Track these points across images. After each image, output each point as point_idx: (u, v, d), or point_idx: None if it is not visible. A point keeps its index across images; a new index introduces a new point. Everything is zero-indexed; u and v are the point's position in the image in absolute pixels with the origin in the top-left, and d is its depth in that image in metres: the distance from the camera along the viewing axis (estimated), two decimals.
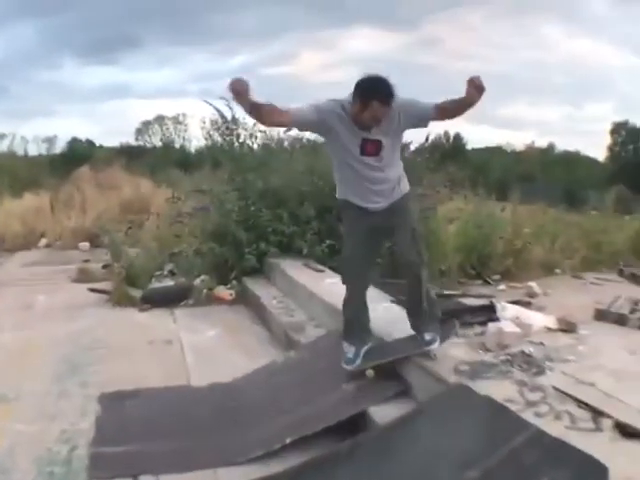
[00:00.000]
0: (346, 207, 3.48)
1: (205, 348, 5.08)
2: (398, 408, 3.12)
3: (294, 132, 5.87)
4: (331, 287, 4.95)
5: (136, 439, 3.34)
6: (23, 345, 5.10)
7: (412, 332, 3.49)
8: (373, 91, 3.10)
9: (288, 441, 3.04)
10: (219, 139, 8.13)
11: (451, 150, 35.09)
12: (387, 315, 4.10)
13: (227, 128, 7.43)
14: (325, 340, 4.28)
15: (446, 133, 41.15)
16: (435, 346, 3.35)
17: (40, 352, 4.99)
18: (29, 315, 6.06)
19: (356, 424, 3.15)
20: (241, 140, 7.46)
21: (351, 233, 3.54)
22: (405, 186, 3.48)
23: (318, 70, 77.43)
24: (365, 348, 3.46)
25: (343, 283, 3.58)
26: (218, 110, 7.41)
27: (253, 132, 7.48)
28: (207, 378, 4.21)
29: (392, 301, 4.56)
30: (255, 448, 3.08)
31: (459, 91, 3.13)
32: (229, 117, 7.34)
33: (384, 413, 3.10)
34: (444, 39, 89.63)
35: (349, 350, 3.46)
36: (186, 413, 3.69)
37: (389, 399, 3.28)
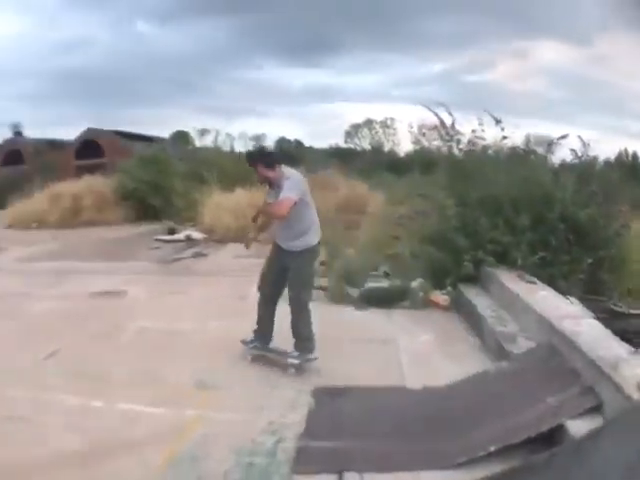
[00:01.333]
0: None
1: (419, 351, 6.10)
2: (590, 422, 3.79)
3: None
4: (544, 300, 6.06)
5: (345, 436, 4.21)
6: (231, 335, 6.39)
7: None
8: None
9: (492, 449, 3.75)
10: (429, 144, 9.69)
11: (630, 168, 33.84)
12: (591, 331, 5.04)
13: (447, 134, 8.76)
14: (535, 352, 5.15)
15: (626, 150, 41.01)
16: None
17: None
18: (243, 305, 7.43)
19: (544, 434, 3.91)
20: (460, 146, 8.76)
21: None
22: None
23: (513, 79, 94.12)
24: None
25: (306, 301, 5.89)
26: (438, 116, 8.77)
27: (459, 139, 8.75)
28: (420, 381, 5.11)
29: (593, 317, 5.63)
30: (460, 454, 3.79)
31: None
32: (448, 123, 8.68)
33: (578, 426, 3.79)
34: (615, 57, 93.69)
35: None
36: (398, 414, 4.56)
37: (582, 413, 3.99)
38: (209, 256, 12.63)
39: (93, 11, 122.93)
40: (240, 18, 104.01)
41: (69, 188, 21.95)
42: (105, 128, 51.62)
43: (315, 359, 5.75)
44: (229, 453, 3.96)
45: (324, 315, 7.16)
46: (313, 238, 5.87)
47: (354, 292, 8.03)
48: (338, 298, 8.01)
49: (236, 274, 10.10)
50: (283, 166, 5.98)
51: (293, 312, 5.82)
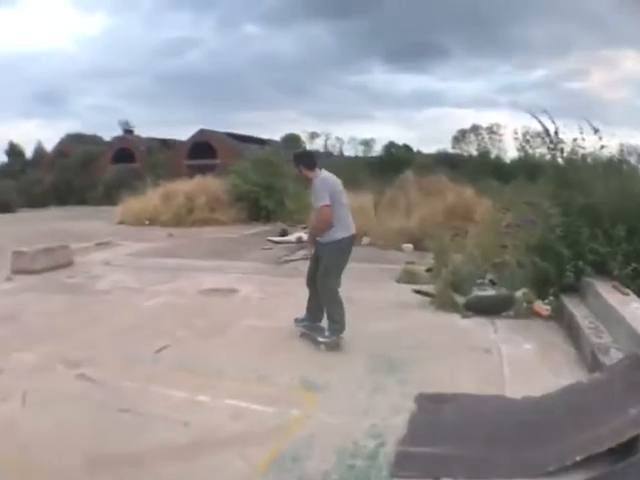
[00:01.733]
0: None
1: (520, 360, 6.26)
2: None
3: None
4: (636, 312, 6.23)
5: (444, 442, 4.38)
6: (346, 337, 6.87)
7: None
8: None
9: (578, 459, 3.89)
10: (534, 151, 9.99)
11: None
12: None
13: (551, 142, 8.97)
14: (621, 364, 5.28)
15: None
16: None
17: (359, 346, 6.70)
18: (353, 309, 7.64)
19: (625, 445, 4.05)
20: (565, 155, 8.91)
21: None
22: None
23: (606, 87, 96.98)
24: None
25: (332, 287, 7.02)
26: (542, 123, 8.99)
27: (563, 147, 8.90)
28: (519, 390, 5.30)
29: None
30: (550, 463, 3.94)
31: None
32: (552, 131, 8.89)
33: None
34: None
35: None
36: (496, 422, 4.74)
37: None
38: None
39: (198, 12, 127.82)
40: (348, 22, 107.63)
41: (182, 187, 23.24)
42: (216, 129, 53.80)
43: (341, 339, 6.92)
44: (331, 454, 4.20)
45: (430, 322, 7.72)
46: (339, 233, 6.97)
47: (461, 300, 8.31)
48: (445, 305, 8.32)
49: (346, 277, 10.63)
50: (323, 170, 7.32)
51: (322, 297, 7.11)
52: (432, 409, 4.97)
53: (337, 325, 6.95)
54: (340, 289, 6.95)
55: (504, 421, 4.76)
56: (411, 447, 4.30)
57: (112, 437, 4.66)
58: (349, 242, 7.19)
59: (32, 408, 5.33)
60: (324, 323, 7.14)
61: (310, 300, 7.44)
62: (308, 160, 7.42)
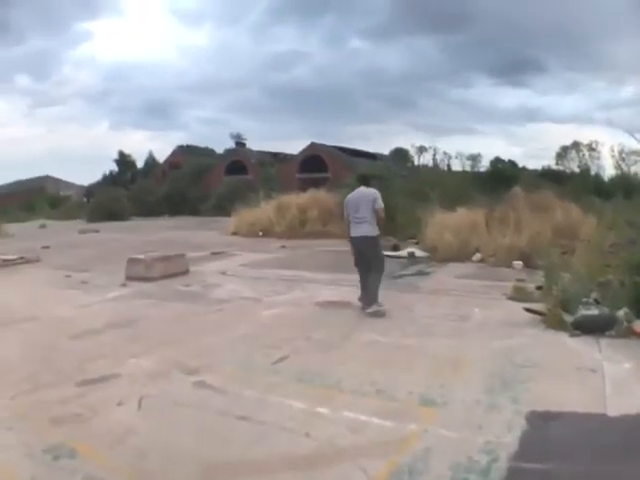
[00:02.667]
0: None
1: (621, 379, 6.15)
2: None
3: None
4: None
5: (553, 459, 4.38)
6: (456, 354, 6.88)
7: None
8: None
9: None
10: (630, 169, 9.75)
11: None
12: None
13: None
14: None
15: None
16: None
17: (472, 363, 6.63)
18: (464, 326, 8.04)
19: None
20: None
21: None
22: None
23: None
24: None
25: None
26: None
27: None
28: (620, 409, 5.27)
29: None
30: None
31: None
32: None
33: None
34: None
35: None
36: (598, 441, 4.75)
37: None
38: (431, 274, 13.04)
39: (304, 26, 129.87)
40: (451, 37, 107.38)
41: (295, 200, 23.59)
42: (326, 143, 54.36)
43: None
44: (446, 469, 4.17)
45: (541, 341, 7.62)
46: (350, 232, 10.08)
47: (569, 318, 8.17)
48: (554, 324, 8.17)
49: (457, 294, 10.62)
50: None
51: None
52: (542, 426, 4.98)
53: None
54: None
55: (606, 439, 4.77)
56: (523, 463, 4.30)
57: (231, 445, 4.68)
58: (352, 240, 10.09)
59: (148, 413, 5.44)
60: None
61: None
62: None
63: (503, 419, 5.08)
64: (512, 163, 60.85)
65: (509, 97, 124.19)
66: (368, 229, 9.73)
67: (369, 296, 9.44)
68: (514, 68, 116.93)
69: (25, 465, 4.48)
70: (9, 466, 4.50)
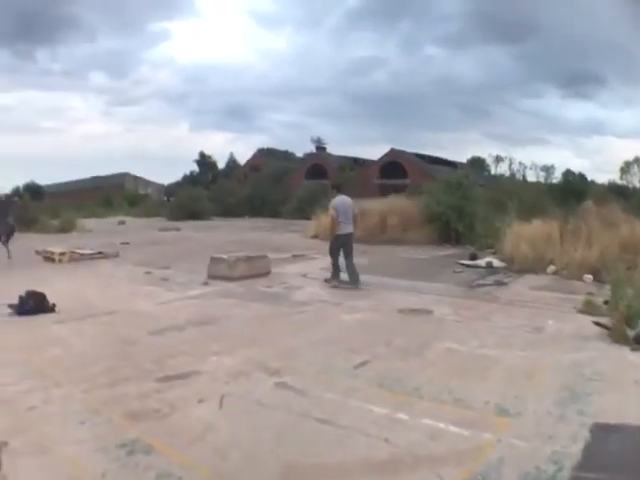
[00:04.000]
0: None
1: None
2: None
3: None
4: None
5: (613, 470, 4.47)
6: (530, 365, 6.89)
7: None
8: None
9: None
10: None
11: None
12: None
13: None
14: None
15: None
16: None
17: (544, 375, 6.63)
18: (538, 337, 8.07)
19: None
20: None
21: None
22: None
23: None
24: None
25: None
26: None
27: None
28: None
29: None
30: None
31: None
32: None
33: None
34: None
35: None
36: None
37: None
38: (508, 285, 12.94)
39: (381, 32, 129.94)
40: (519, 47, 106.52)
41: (376, 206, 23.63)
42: (405, 149, 54.22)
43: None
44: (516, 478, 4.24)
45: (606, 354, 7.58)
46: (340, 230, 12.77)
47: (631, 333, 8.15)
48: (619, 338, 8.14)
49: (533, 305, 10.55)
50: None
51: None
52: (604, 438, 5.03)
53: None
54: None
55: None
56: (584, 473, 4.39)
57: (311, 447, 4.76)
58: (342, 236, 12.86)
59: (229, 412, 5.53)
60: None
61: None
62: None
63: (570, 430, 5.11)
64: (582, 176, 60.27)
65: (576, 109, 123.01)
66: (352, 228, 13.26)
67: (355, 274, 12.80)
68: (578, 80, 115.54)
69: (97, 460, 4.56)
70: (80, 460, 4.57)
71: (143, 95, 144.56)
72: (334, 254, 13.01)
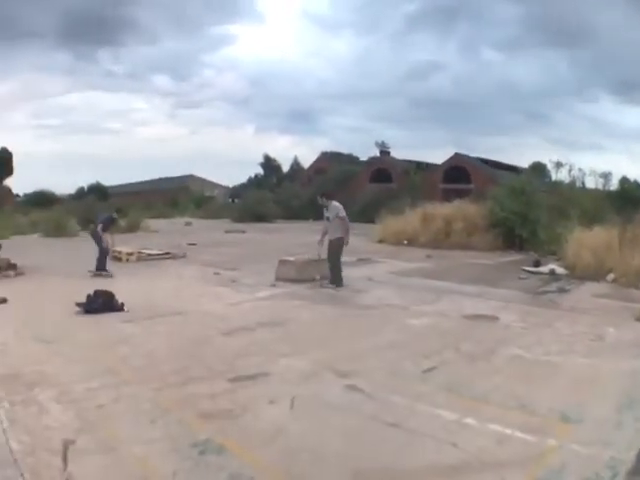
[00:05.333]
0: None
1: None
2: None
3: None
4: None
5: None
6: (592, 372, 6.91)
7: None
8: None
9: None
10: None
11: None
12: None
13: None
14: None
15: None
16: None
17: (606, 382, 6.64)
18: (600, 345, 8.07)
19: None
20: None
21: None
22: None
23: None
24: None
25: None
26: None
27: None
28: None
29: None
30: None
31: None
32: None
33: None
34: None
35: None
36: None
37: None
38: (570, 292, 12.86)
39: (439, 35, 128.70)
40: (577, 52, 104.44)
41: (440, 210, 23.56)
42: (468, 154, 53.64)
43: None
44: None
45: None
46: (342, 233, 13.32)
47: None
48: None
49: (595, 313, 10.53)
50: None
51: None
52: None
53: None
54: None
55: None
56: (635, 477, 4.46)
57: (380, 451, 4.82)
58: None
59: (300, 414, 5.62)
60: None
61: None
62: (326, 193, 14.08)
63: (626, 436, 5.13)
64: (637, 184, 58.83)
65: (632, 114, 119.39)
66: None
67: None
68: (633, 86, 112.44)
69: (168, 459, 4.63)
70: (151, 459, 4.65)
71: (207, 98, 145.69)
72: (339, 258, 13.61)
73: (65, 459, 4.57)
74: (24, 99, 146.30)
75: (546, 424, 5.39)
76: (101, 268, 14.89)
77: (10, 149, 65.80)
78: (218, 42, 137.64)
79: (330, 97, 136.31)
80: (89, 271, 14.76)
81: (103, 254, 15.09)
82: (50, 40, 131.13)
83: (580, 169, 44.92)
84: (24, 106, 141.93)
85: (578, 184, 37.81)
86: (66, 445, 4.79)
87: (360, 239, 24.61)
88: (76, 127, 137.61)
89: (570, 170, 42.78)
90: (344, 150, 73.12)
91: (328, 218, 13.71)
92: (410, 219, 24.47)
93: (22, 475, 4.34)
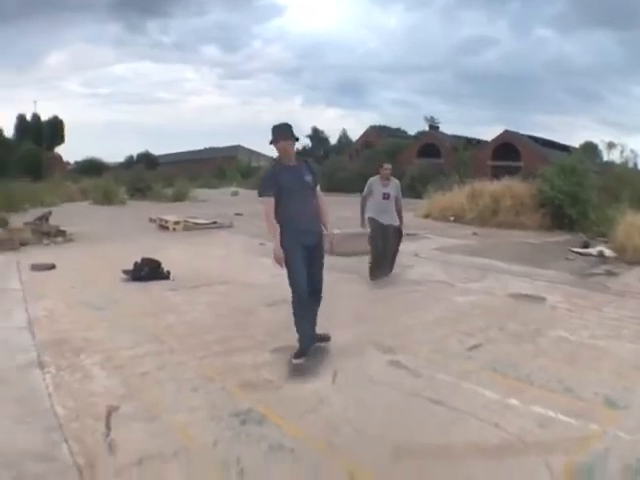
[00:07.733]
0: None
1: None
2: None
3: None
4: None
5: None
6: (638, 358, 6.73)
7: None
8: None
9: None
10: None
11: None
12: None
13: None
14: None
15: None
16: None
17: None
18: None
19: None
20: None
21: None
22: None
23: None
24: None
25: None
26: None
27: None
28: None
29: None
30: None
31: None
32: None
33: None
34: None
35: None
36: None
37: None
38: (619, 275, 12.59)
39: (491, 11, 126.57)
40: (629, 33, 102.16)
41: (488, 187, 23.26)
42: (519, 131, 52.79)
43: None
44: (618, 469, 4.22)
45: None
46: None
47: None
48: None
49: None
50: None
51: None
52: None
53: None
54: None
55: None
56: None
57: (422, 428, 4.79)
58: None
59: (342, 387, 5.62)
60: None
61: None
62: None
63: None
64: None
65: None
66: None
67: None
68: None
69: (209, 428, 4.69)
70: (192, 428, 4.70)
71: (256, 69, 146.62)
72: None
73: (108, 425, 4.67)
74: (75, 69, 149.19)
75: (590, 408, 5.31)
76: None
77: (61, 117, 66.61)
78: (267, 13, 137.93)
79: (379, 70, 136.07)
80: None
81: None
82: (101, 12, 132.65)
83: (632, 150, 44.01)
84: (75, 76, 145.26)
85: (630, 165, 36.96)
86: (110, 411, 4.89)
87: (407, 214, 24.35)
88: (126, 96, 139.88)
89: (622, 151, 42.02)
90: (392, 124, 72.63)
91: (387, 195, 11.25)
92: (457, 195, 24.21)
93: (66, 440, 4.41)
